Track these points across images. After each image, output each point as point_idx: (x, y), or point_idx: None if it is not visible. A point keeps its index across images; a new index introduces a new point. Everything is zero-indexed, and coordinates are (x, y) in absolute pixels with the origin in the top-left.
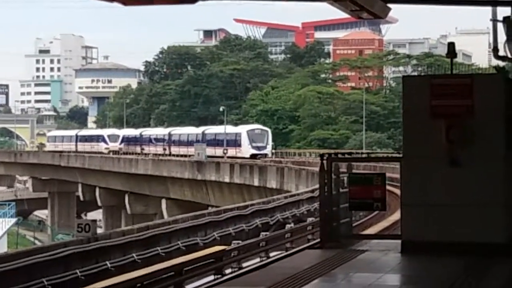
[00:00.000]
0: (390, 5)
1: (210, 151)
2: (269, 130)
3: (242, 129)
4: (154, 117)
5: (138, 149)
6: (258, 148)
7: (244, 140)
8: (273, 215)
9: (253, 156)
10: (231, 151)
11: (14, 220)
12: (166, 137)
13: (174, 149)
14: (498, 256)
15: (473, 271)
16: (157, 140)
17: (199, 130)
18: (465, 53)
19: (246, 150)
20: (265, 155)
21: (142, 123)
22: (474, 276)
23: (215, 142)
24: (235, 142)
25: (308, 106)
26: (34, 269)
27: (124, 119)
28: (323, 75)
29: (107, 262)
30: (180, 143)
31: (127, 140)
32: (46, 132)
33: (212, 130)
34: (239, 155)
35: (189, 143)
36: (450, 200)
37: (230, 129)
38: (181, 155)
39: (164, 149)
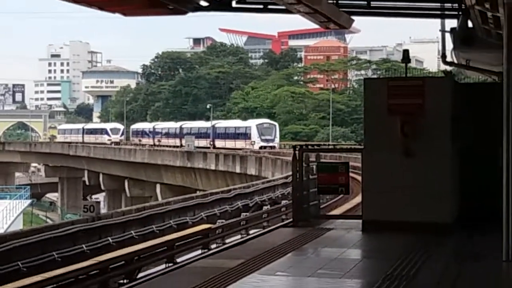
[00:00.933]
0: (353, 17)
1: (220, 143)
2: (277, 124)
3: (252, 123)
4: (150, 113)
5: (151, 141)
6: (266, 140)
7: (254, 133)
8: (252, 198)
9: (261, 148)
10: (241, 144)
11: (28, 201)
12: (178, 131)
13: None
14: (445, 234)
15: (424, 246)
16: (169, 133)
17: (208, 124)
18: (418, 59)
19: (256, 142)
20: (273, 147)
21: (140, 118)
22: (425, 250)
23: (224, 135)
24: (245, 135)
25: (283, 104)
26: (46, 244)
27: (124, 115)
28: (295, 77)
29: (109, 238)
30: (191, 135)
31: (141, 133)
32: (57, 126)
33: (221, 124)
34: (248, 147)
35: (199, 136)
36: (404, 186)
37: (240, 123)
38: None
39: (159, 141)
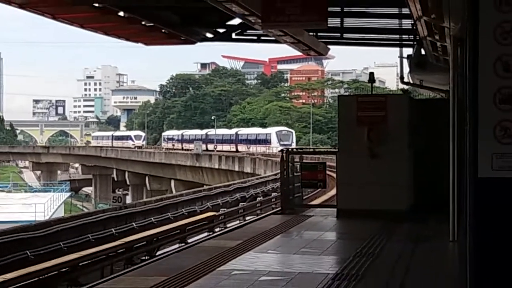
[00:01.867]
0: (329, 46)
1: (242, 147)
2: (293, 131)
3: (272, 130)
4: (166, 123)
5: (180, 146)
6: (285, 145)
7: (274, 139)
8: (248, 191)
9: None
10: (262, 148)
11: (68, 194)
12: (204, 137)
13: (210, 147)
14: (402, 219)
15: (386, 229)
16: (196, 139)
17: (232, 131)
18: (381, 80)
19: (275, 147)
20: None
21: (158, 127)
22: (387, 232)
23: (246, 141)
24: (265, 141)
25: (273, 116)
26: (83, 228)
27: (145, 125)
28: (283, 95)
29: (133, 223)
30: (216, 141)
31: (171, 139)
32: (91, 133)
33: (244, 131)
34: (268, 151)
35: (223, 142)
36: (370, 181)
37: (261, 130)
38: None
39: (178, 146)
